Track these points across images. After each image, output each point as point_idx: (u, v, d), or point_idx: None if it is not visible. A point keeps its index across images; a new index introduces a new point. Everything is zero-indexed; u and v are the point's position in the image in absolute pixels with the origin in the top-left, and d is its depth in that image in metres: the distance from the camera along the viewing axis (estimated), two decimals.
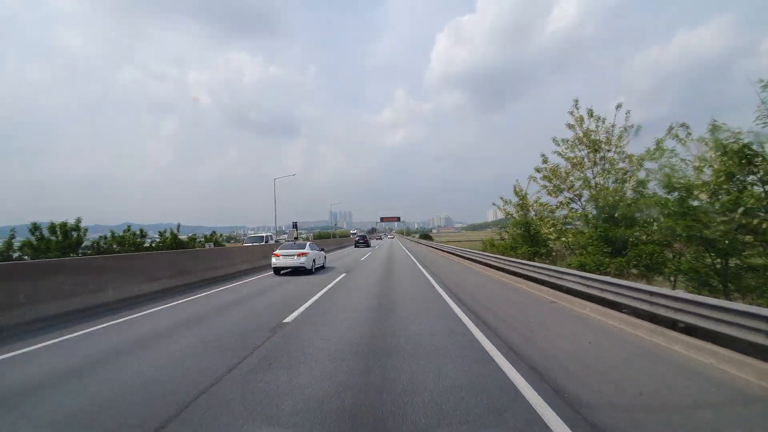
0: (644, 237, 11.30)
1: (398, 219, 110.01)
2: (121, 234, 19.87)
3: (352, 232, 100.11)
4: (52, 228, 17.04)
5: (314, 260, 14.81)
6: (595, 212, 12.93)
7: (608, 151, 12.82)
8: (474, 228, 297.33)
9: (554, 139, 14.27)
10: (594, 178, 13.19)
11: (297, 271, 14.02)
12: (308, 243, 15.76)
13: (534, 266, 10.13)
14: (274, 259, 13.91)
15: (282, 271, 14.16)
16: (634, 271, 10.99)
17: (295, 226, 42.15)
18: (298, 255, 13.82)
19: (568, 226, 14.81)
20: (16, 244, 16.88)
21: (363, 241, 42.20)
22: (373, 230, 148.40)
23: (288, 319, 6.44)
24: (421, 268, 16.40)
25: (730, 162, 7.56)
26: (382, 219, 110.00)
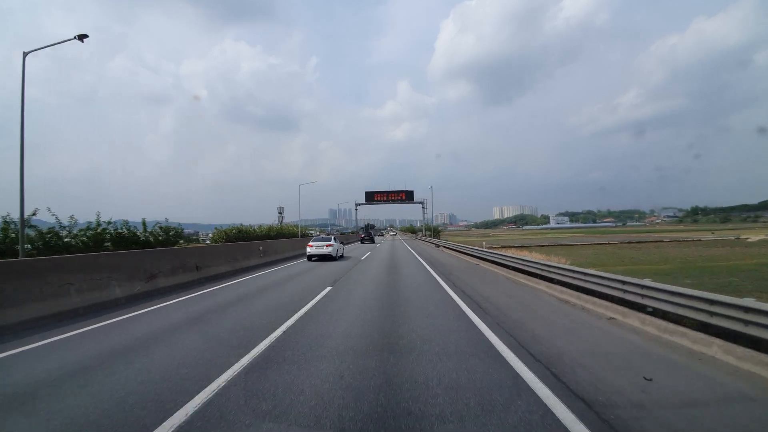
0: None
1: (404, 196, 56.68)
2: None
3: (310, 232, 55.68)
4: None
5: (338, 250, 18.69)
6: None
7: None
8: (486, 225, 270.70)
9: None
10: None
11: (324, 258, 17.61)
12: (332, 237, 20.75)
13: None
14: (308, 249, 17.71)
15: (313, 258, 17.64)
16: None
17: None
18: (327, 246, 17.55)
19: None
20: None
21: (368, 237, 44.89)
22: (368, 227, 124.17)
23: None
24: None
25: None
26: (372, 197, 57.51)
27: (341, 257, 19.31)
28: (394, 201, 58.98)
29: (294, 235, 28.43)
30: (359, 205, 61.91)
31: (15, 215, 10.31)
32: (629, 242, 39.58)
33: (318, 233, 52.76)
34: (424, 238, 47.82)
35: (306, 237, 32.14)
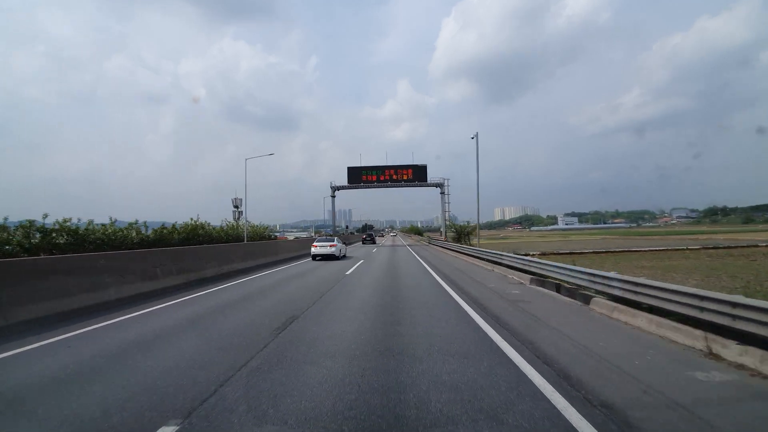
0: None
1: (410, 174, 37.39)
2: None
3: (275, 234, 40.05)
4: None
5: (340, 250, 19.94)
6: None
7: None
8: (490, 226, 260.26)
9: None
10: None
11: (327, 257, 18.71)
12: (335, 238, 21.69)
13: None
14: (313, 249, 18.93)
15: (317, 257, 18.69)
16: None
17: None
18: (330, 246, 18.92)
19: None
20: None
21: (370, 239, 45.40)
22: (366, 227, 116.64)
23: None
24: None
25: None
26: (357, 177, 37.99)
27: (344, 257, 20.39)
28: (395, 183, 37.45)
29: (236, 239, 18.55)
30: (339, 189, 39.61)
31: None
32: (714, 248, 29.82)
33: (316, 235, 51.86)
34: (448, 245, 26.61)
35: (265, 241, 22.85)
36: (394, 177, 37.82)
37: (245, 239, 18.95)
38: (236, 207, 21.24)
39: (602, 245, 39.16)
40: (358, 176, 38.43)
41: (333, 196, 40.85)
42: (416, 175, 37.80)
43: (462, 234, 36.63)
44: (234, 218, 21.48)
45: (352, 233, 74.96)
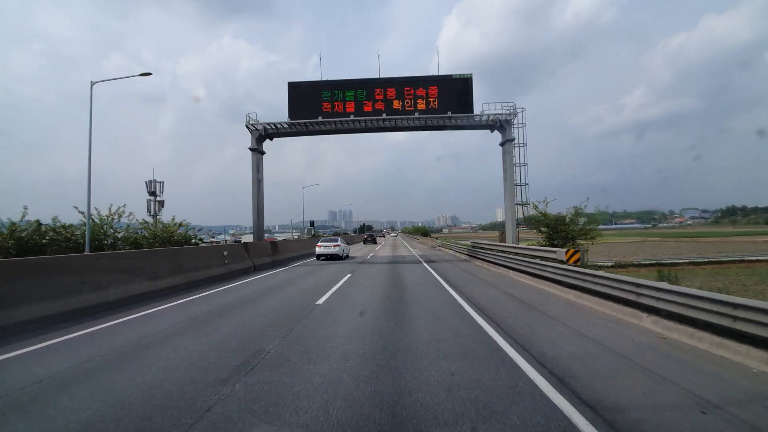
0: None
1: (433, 96, 16.44)
2: None
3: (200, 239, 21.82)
4: None
5: (344, 250, 20.71)
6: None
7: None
8: (494, 227, 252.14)
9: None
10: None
11: (331, 257, 19.46)
12: (339, 238, 22.88)
13: None
14: (317, 249, 19.70)
15: (321, 257, 19.45)
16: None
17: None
18: (334, 246, 19.65)
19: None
20: None
21: (371, 239, 48.43)
22: (364, 227, 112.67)
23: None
24: None
25: None
26: (314, 108, 16.99)
27: (347, 257, 21.12)
28: (399, 117, 16.99)
29: (73, 248, 10.16)
30: (273, 135, 19.10)
31: None
32: None
33: (307, 237, 49.71)
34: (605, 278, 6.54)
35: (189, 246, 13.07)
36: (396, 105, 16.90)
37: (102, 247, 10.57)
38: (153, 194, 12.91)
39: (666, 252, 31.00)
40: (314, 104, 17.20)
41: (257, 150, 18.91)
42: (446, 99, 16.91)
43: (563, 235, 15.38)
44: (150, 211, 13.17)
45: (330, 234, 65.84)
